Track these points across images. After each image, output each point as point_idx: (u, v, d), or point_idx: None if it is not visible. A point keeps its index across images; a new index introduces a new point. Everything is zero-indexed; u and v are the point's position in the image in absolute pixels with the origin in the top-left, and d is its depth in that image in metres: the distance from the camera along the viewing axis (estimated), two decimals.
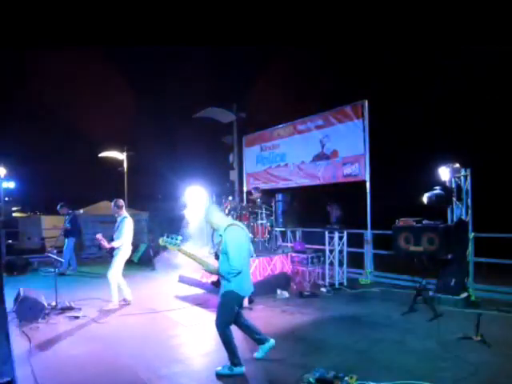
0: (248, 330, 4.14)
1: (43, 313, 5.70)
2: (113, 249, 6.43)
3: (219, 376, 3.78)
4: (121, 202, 6.72)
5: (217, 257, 3.96)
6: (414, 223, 6.25)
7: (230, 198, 8.92)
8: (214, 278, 3.97)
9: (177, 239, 3.87)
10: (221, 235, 3.85)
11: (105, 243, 6.34)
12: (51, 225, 12.52)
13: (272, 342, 4.18)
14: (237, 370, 3.79)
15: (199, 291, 7.69)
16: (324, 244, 8.14)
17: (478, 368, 3.79)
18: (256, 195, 8.59)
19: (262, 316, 5.84)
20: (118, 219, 6.62)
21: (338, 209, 7.77)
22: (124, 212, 6.69)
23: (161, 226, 14.94)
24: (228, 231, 3.79)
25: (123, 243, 6.44)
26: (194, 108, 12.11)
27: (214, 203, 9.76)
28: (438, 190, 6.48)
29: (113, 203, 6.69)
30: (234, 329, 3.98)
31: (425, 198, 6.54)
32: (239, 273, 3.76)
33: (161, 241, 3.89)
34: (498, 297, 6.41)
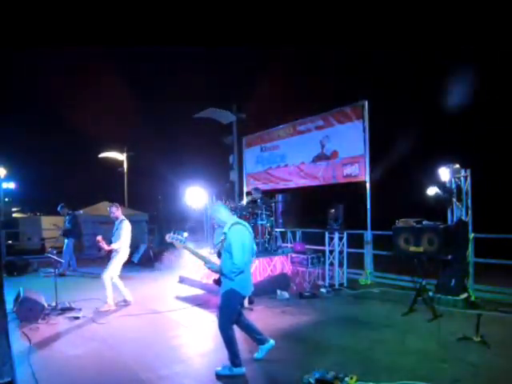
0: (248, 329, 4.14)
1: (43, 313, 5.70)
2: (111, 251, 6.49)
3: (219, 376, 3.78)
4: (117, 205, 6.86)
5: (219, 255, 3.95)
6: (414, 224, 6.24)
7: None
8: (216, 276, 3.97)
9: (182, 236, 3.90)
10: (225, 233, 3.84)
11: (104, 245, 6.39)
12: (51, 225, 12.53)
13: (272, 342, 4.17)
14: (237, 370, 3.78)
15: (199, 292, 7.69)
16: (324, 245, 8.15)
17: (478, 368, 3.79)
18: (256, 196, 8.58)
19: (262, 316, 5.84)
20: (116, 222, 6.70)
21: (340, 210, 7.76)
22: (121, 215, 6.77)
23: (161, 227, 14.98)
24: (232, 229, 3.79)
25: (121, 245, 6.49)
26: (194, 108, 12.13)
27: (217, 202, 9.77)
28: (437, 188, 6.46)
29: (109, 207, 6.80)
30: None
31: (430, 191, 6.43)
32: (241, 272, 3.75)
33: (167, 237, 3.91)
34: (498, 297, 6.41)
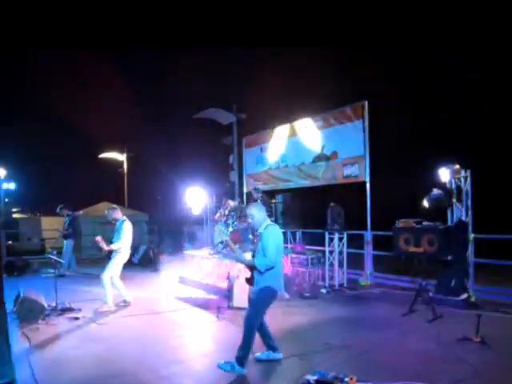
0: (263, 332, 4.16)
1: (43, 314, 5.69)
2: (112, 251, 6.46)
3: (220, 370, 3.78)
4: (114, 207, 6.87)
5: (254, 255, 4.11)
6: (414, 224, 6.25)
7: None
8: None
9: (228, 230, 4.23)
10: (260, 232, 4.03)
11: (104, 245, 6.36)
12: (51, 226, 12.56)
13: (280, 356, 4.17)
14: (238, 369, 3.78)
15: (200, 292, 7.69)
16: (324, 245, 8.15)
17: (478, 369, 3.79)
18: (256, 196, 8.58)
19: None
20: (117, 223, 6.66)
21: (338, 210, 7.77)
22: (121, 215, 6.74)
23: (161, 227, 14.99)
24: (269, 229, 4.00)
25: (122, 246, 6.47)
26: (194, 109, 12.14)
27: (215, 204, 9.79)
28: (436, 192, 6.46)
29: (107, 212, 6.79)
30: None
31: (425, 203, 6.49)
32: (272, 267, 3.88)
33: (216, 228, 4.44)
34: (498, 298, 6.41)
